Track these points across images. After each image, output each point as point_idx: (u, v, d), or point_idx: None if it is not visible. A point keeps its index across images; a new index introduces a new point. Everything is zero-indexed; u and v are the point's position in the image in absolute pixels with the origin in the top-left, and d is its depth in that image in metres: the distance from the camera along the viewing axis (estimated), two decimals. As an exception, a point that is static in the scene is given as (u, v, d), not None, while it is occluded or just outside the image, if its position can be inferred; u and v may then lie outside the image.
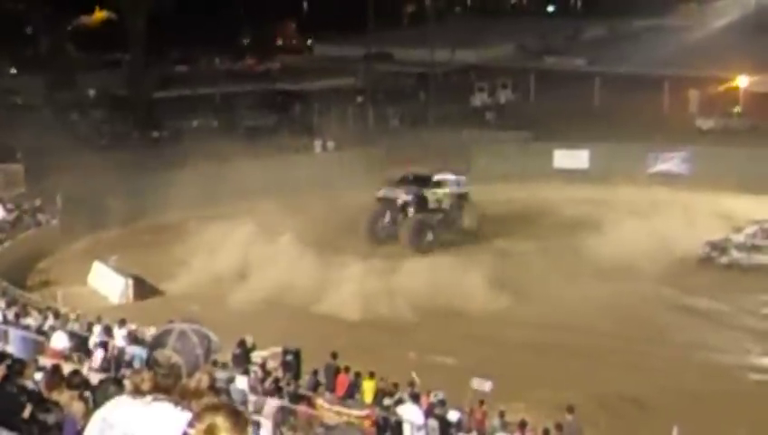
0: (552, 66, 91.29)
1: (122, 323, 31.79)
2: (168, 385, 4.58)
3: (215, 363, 26.62)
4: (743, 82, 76.21)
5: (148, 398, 4.58)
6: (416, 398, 26.47)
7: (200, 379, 4.61)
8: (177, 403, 4.53)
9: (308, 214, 48.44)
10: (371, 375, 29.47)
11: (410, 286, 41.01)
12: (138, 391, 4.63)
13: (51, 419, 9.17)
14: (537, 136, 69.85)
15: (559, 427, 26.41)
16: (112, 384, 9.04)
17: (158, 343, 4.67)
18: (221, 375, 26.55)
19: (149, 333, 30.30)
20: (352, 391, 29.32)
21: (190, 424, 4.25)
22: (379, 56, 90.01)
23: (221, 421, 4.21)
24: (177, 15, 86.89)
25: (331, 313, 38.72)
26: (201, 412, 4.28)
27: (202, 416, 4.24)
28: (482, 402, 27.30)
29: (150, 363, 4.65)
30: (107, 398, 5.13)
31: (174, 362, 4.58)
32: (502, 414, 27.17)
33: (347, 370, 30.02)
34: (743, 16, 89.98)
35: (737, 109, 75.29)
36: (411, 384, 27.88)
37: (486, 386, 27.76)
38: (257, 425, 21.17)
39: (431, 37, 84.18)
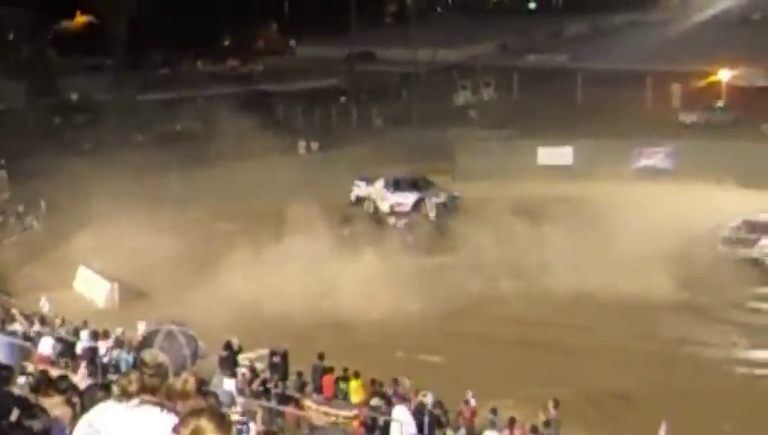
0: (534, 64, 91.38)
1: (106, 334, 31.59)
2: (154, 385, 4.57)
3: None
4: (725, 75, 76.35)
5: (135, 402, 4.56)
6: (403, 398, 26.41)
7: (186, 380, 4.60)
8: (162, 407, 4.52)
9: (292, 215, 48.26)
10: (357, 375, 29.41)
11: (396, 286, 40.99)
12: (125, 394, 4.61)
13: (37, 425, 9.10)
14: (521, 133, 69.85)
15: (548, 423, 26.45)
16: (100, 389, 8.97)
17: (145, 343, 4.66)
18: (215, 381, 26.49)
19: (137, 336, 30.27)
20: (341, 391, 29.27)
21: (175, 429, 4.24)
22: (361, 56, 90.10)
23: (205, 423, 4.22)
24: (159, 18, 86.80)
25: (317, 314, 38.54)
26: (185, 418, 4.28)
27: (186, 421, 4.25)
28: (467, 402, 27.23)
29: (137, 364, 4.64)
30: (94, 403, 5.11)
31: (161, 362, 4.58)
32: (494, 411, 27.14)
33: (332, 370, 29.99)
34: (724, 10, 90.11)
35: (720, 103, 75.42)
36: (396, 383, 27.80)
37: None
38: (246, 426, 21.08)
39: (413, 36, 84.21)
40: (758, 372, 36.50)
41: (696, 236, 46.79)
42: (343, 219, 51.40)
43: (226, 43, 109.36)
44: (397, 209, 54.78)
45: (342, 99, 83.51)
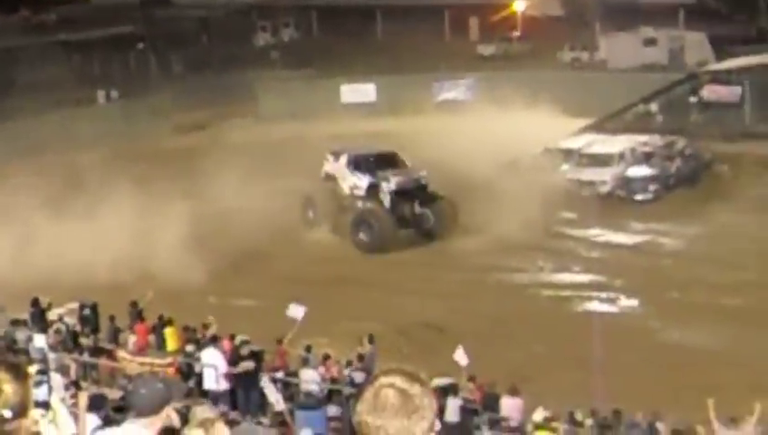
0: (332, 2, 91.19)
1: None
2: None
3: (15, 323, 25.85)
4: (520, 6, 77.56)
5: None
6: (216, 341, 26.30)
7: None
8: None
9: (91, 167, 47.30)
10: (170, 322, 29.21)
11: (209, 232, 40.83)
12: None
13: None
14: (323, 73, 69.94)
15: (361, 358, 26.73)
16: None
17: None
18: (20, 336, 26.03)
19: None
20: (157, 339, 29.05)
21: (-30, 386, 4.18)
22: (156, 1, 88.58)
23: (2, 375, 4.17)
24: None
25: (121, 266, 37.80)
26: None
27: None
28: (280, 341, 27.23)
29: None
30: None
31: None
32: (308, 348, 27.27)
33: (144, 318, 29.77)
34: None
35: (516, 33, 76.72)
36: (206, 327, 27.65)
37: (299, 313, 27.57)
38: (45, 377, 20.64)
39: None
40: (563, 293, 37.67)
41: (499, 166, 47.62)
42: (307, 200, 46.33)
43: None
44: (355, 193, 46.29)
45: (140, 45, 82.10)
